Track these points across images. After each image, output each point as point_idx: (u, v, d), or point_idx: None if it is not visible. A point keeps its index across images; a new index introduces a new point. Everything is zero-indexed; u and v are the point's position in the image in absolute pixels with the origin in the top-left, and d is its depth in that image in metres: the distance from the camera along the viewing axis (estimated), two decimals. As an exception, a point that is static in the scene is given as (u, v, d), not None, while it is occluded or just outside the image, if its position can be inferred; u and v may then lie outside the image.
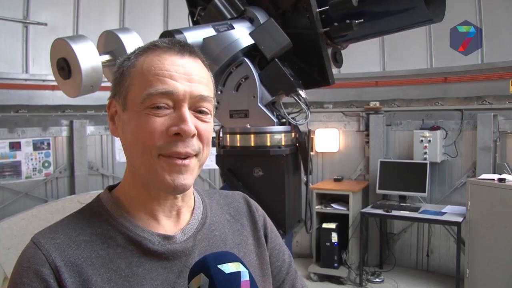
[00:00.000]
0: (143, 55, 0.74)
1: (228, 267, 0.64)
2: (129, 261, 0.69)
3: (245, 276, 0.64)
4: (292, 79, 2.01)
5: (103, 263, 0.68)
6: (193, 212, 0.81)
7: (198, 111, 0.73)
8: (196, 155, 0.72)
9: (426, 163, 4.14)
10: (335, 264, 4.18)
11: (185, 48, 0.74)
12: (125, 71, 0.74)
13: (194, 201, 0.83)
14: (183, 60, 0.73)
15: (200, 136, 0.72)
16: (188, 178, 0.72)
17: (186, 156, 0.71)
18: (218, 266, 0.63)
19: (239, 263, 0.65)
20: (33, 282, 0.64)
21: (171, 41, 0.75)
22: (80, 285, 0.65)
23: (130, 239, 0.71)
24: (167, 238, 0.73)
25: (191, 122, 0.70)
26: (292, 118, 2.16)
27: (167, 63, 0.71)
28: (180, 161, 0.70)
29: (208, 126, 0.74)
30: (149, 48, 0.74)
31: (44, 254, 0.66)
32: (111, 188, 0.80)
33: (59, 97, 4.33)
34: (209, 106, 0.74)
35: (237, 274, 0.63)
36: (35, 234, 0.71)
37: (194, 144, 0.71)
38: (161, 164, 0.70)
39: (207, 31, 2.03)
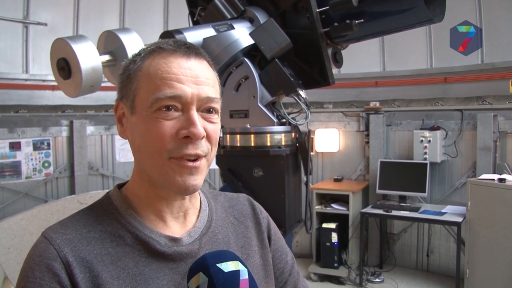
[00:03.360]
0: (149, 58, 0.74)
1: (227, 266, 0.64)
2: (137, 260, 0.71)
3: (244, 275, 0.64)
4: (292, 79, 2.01)
5: (112, 260, 0.69)
6: (199, 214, 0.82)
7: (206, 112, 0.73)
8: (205, 156, 0.73)
9: (426, 163, 4.14)
10: (335, 264, 4.19)
11: (191, 50, 0.74)
12: (131, 74, 0.75)
13: (201, 203, 0.84)
14: (189, 63, 0.73)
15: (208, 137, 0.73)
16: (198, 179, 0.73)
17: (196, 158, 0.72)
18: (217, 264, 0.64)
19: (238, 262, 0.66)
20: (45, 276, 0.65)
21: (176, 42, 0.75)
22: (90, 281, 0.66)
23: (139, 239, 0.72)
24: (174, 240, 0.75)
25: (200, 124, 0.70)
26: (292, 118, 2.16)
27: (173, 66, 0.71)
28: (190, 163, 0.71)
29: (216, 127, 0.75)
30: (155, 51, 0.74)
31: (56, 249, 0.67)
32: (120, 186, 0.81)
33: (59, 97, 4.34)
34: (216, 106, 0.75)
35: (236, 273, 0.64)
36: (46, 229, 0.72)
37: (203, 145, 0.72)
38: (172, 166, 0.71)
39: (207, 31, 2.03)
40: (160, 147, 0.70)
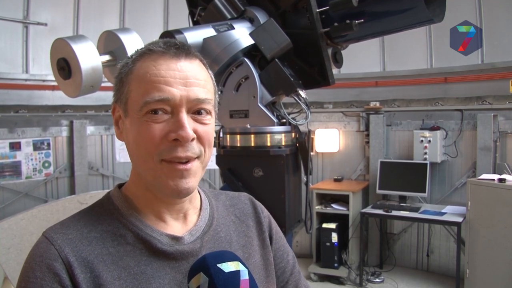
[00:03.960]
0: (140, 61, 0.74)
1: (228, 266, 0.64)
2: (138, 259, 0.71)
3: (244, 275, 0.64)
4: (292, 79, 2.01)
5: (113, 260, 0.69)
6: (200, 213, 0.82)
7: (196, 113, 0.73)
8: (198, 158, 0.73)
9: (426, 163, 4.14)
10: (335, 264, 4.19)
11: (181, 50, 0.73)
12: (123, 77, 0.75)
13: (201, 202, 0.84)
14: (179, 64, 0.72)
15: (200, 139, 0.73)
16: (190, 182, 0.72)
17: (187, 160, 0.71)
18: (218, 265, 0.64)
19: (239, 262, 0.66)
20: (46, 277, 0.65)
21: (166, 43, 0.74)
22: (91, 281, 0.66)
23: (140, 238, 0.72)
24: (175, 238, 0.75)
25: (189, 127, 0.70)
26: (292, 118, 2.16)
27: (162, 68, 0.71)
28: (181, 166, 0.71)
29: (208, 128, 0.74)
30: (145, 53, 0.74)
31: (57, 249, 0.67)
32: (120, 186, 0.81)
33: (59, 97, 4.33)
34: (208, 107, 0.74)
35: (237, 273, 0.64)
36: (47, 229, 0.72)
37: (194, 147, 0.72)
38: (164, 169, 0.71)
39: (207, 31, 2.03)
40: (150, 150, 0.70)
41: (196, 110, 0.73)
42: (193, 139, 0.71)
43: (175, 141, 0.70)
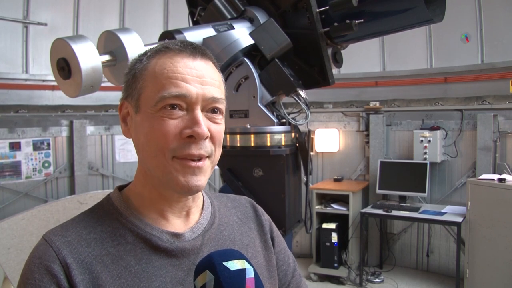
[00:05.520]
0: (155, 57, 0.74)
1: (234, 264, 0.64)
2: (139, 258, 0.71)
3: (250, 273, 0.64)
4: (292, 79, 2.01)
5: (113, 260, 0.69)
6: (202, 212, 0.82)
7: (210, 112, 0.74)
8: (208, 157, 0.73)
9: (426, 163, 4.14)
10: (335, 264, 4.19)
11: (197, 50, 0.75)
12: (137, 73, 0.75)
13: (203, 201, 0.85)
14: (195, 63, 0.73)
15: (212, 138, 0.73)
16: (201, 179, 0.73)
17: (200, 158, 0.72)
18: (224, 263, 0.63)
19: (244, 261, 0.66)
20: (44, 278, 0.65)
21: (183, 43, 0.76)
22: (90, 282, 0.66)
23: (140, 236, 0.72)
24: (176, 235, 0.75)
25: (204, 124, 0.71)
26: (292, 118, 2.16)
27: (179, 65, 0.72)
28: (194, 164, 0.71)
29: (220, 128, 0.75)
30: (161, 50, 0.75)
31: (55, 251, 0.67)
32: (121, 188, 0.82)
33: (59, 97, 4.34)
34: (221, 107, 0.75)
35: (242, 271, 0.63)
36: (47, 232, 0.72)
37: (207, 146, 0.72)
38: (175, 166, 0.71)
39: (207, 31, 2.02)
40: (163, 146, 0.70)
41: (210, 109, 0.73)
42: (207, 137, 0.72)
43: (189, 138, 0.70)
